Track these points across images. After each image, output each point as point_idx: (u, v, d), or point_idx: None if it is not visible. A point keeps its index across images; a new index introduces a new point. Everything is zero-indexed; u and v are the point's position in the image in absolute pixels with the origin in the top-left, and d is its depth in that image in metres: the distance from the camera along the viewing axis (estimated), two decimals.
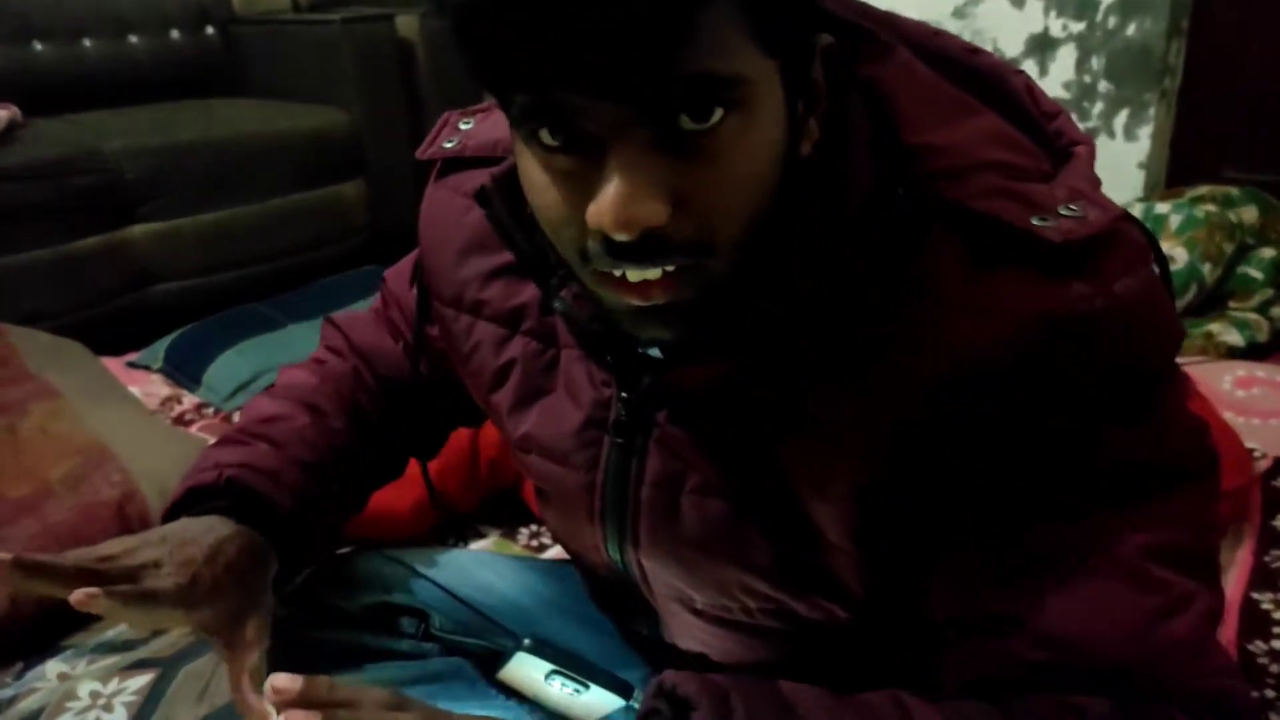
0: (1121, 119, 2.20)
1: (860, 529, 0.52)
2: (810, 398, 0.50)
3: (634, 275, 0.44)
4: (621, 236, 0.41)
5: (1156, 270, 0.49)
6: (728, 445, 0.54)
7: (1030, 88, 0.54)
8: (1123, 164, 2.22)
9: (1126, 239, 0.47)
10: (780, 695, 0.47)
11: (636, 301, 0.45)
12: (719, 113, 0.41)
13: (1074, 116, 2.10)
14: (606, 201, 0.41)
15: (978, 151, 0.49)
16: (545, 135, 0.42)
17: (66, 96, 2.24)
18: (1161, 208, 1.75)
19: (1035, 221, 0.45)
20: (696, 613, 0.64)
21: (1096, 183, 0.49)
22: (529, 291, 0.61)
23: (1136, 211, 1.78)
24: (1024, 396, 0.46)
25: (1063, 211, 0.46)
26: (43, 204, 1.88)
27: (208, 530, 0.63)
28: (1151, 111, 2.17)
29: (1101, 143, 2.23)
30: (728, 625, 0.63)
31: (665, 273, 0.44)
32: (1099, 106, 2.21)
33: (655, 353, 0.53)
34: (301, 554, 0.71)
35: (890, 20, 0.55)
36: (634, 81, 0.39)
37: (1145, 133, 2.18)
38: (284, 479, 0.67)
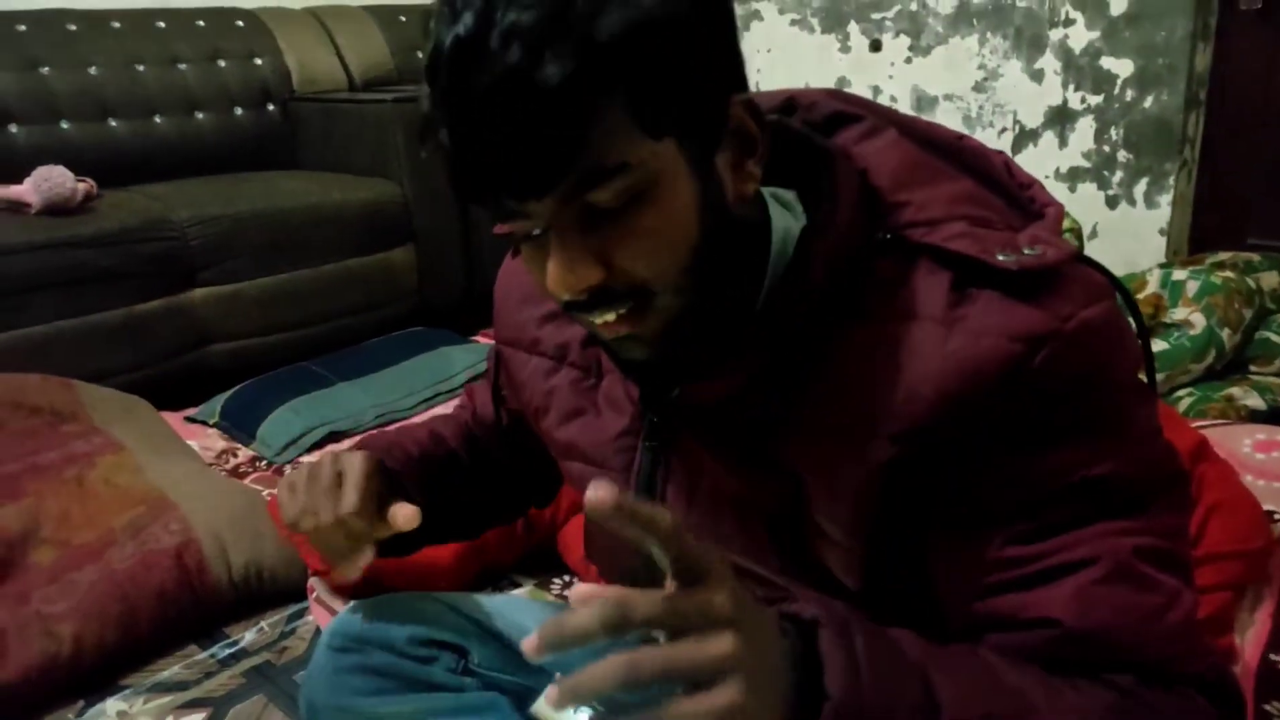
0: (1141, 187, 2.25)
1: (864, 525, 0.59)
2: (817, 406, 0.59)
3: (597, 319, 0.56)
4: (566, 297, 0.54)
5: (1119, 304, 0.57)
6: (739, 452, 0.63)
7: (1008, 164, 0.64)
8: (1144, 230, 2.27)
9: (1084, 276, 0.55)
10: (884, 631, 0.52)
11: (610, 335, 0.57)
12: (623, 195, 0.51)
13: (1094, 185, 2.18)
14: (550, 274, 0.54)
15: (950, 207, 0.58)
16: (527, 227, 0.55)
17: (139, 169, 2.41)
18: (1179, 274, 1.79)
19: (1000, 257, 0.54)
20: None
21: (1058, 234, 0.58)
22: (573, 332, 0.74)
23: (1155, 277, 1.82)
24: (1014, 408, 0.53)
25: (1025, 250, 0.54)
26: (113, 269, 2.01)
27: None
28: (1171, 180, 2.22)
29: (1122, 210, 2.29)
30: None
31: (620, 314, 0.55)
32: (1119, 175, 2.27)
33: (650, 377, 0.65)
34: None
35: (887, 112, 0.66)
36: (543, 184, 0.51)
37: (1165, 200, 2.23)
38: (394, 453, 0.82)
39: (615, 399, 0.71)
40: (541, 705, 0.83)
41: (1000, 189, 0.62)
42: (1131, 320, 0.60)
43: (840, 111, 0.65)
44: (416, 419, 1.97)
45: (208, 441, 1.93)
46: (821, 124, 0.65)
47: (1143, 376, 0.61)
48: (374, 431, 0.88)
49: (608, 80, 0.49)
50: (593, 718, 0.80)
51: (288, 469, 1.82)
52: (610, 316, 0.55)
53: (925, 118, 0.68)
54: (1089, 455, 0.53)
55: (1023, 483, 0.53)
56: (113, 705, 1.23)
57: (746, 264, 0.60)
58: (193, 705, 1.23)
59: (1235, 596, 1.19)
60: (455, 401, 2.07)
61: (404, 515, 0.72)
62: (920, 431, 0.55)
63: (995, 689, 0.50)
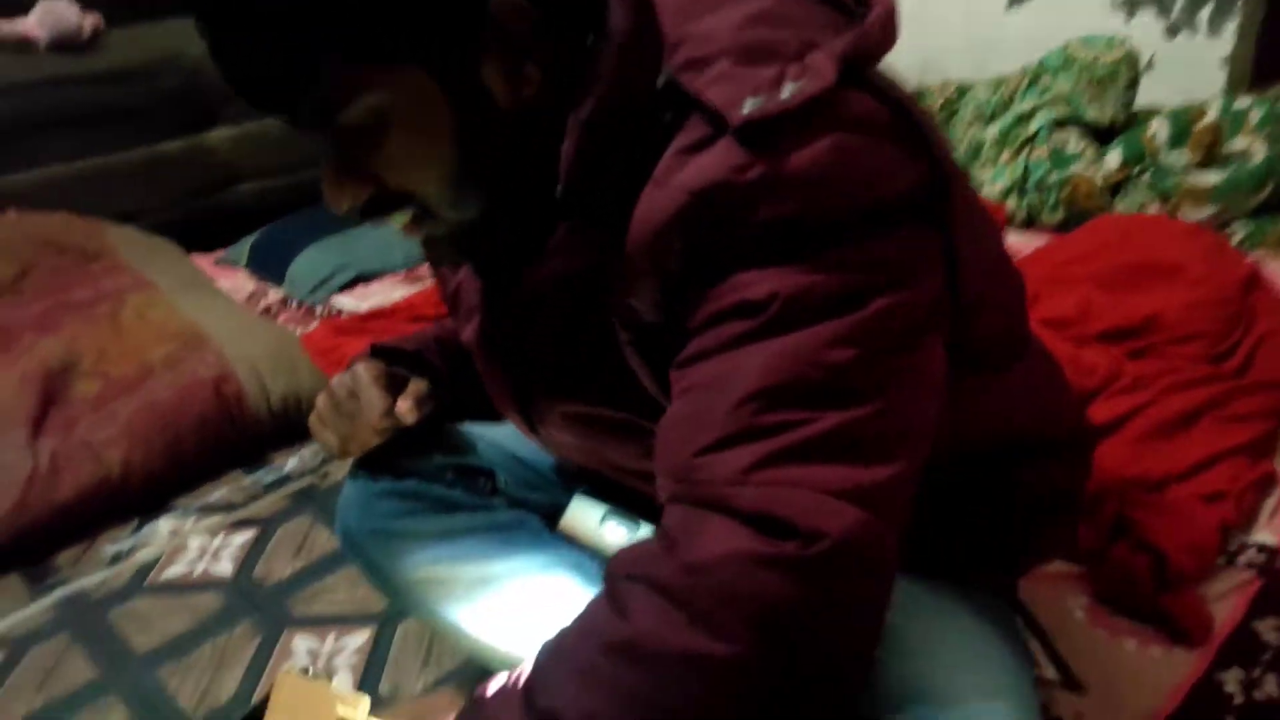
0: (1205, 14, 2.11)
1: (647, 373, 0.58)
2: (609, 270, 0.56)
3: (393, 224, 0.56)
4: (342, 210, 0.55)
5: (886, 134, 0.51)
6: (570, 323, 0.62)
7: None
8: (1205, 59, 2.14)
9: (833, 113, 0.50)
10: None
11: (410, 236, 0.58)
12: (367, 117, 0.51)
13: (1154, 11, 2.02)
14: (323, 189, 0.55)
15: (729, 37, 0.53)
16: None
17: (144, 3, 2.30)
18: (1242, 102, 1.70)
19: (747, 103, 0.49)
20: (620, 471, 0.72)
21: (878, 34, 0.53)
22: None
23: (1216, 106, 1.73)
24: (680, 249, 0.51)
25: (786, 88, 0.49)
26: (130, 107, 1.97)
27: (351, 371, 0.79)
28: (1238, 5, 2.07)
29: (1183, 38, 2.15)
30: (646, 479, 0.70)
31: (408, 221, 0.56)
32: (1180, 1, 2.12)
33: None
34: (446, 390, 0.82)
35: None
36: (282, 109, 0.52)
37: (1231, 28, 2.09)
38: (410, 341, 0.83)
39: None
40: (569, 520, 0.84)
41: None
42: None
43: None
44: None
45: (238, 283, 1.93)
46: None
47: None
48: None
49: (322, 12, 0.48)
50: (616, 525, 0.81)
51: (318, 309, 1.82)
52: (400, 220, 0.56)
53: None
54: (750, 279, 0.50)
55: (689, 312, 0.52)
56: (165, 524, 1.28)
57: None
58: (243, 524, 1.27)
59: (1278, 425, 1.18)
60: None
61: (403, 409, 0.75)
62: (633, 278, 0.54)
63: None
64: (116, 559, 1.22)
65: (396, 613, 1.09)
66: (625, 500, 0.82)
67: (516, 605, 0.79)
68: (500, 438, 0.90)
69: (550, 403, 0.68)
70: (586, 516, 0.83)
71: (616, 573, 0.51)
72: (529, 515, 0.86)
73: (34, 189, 1.90)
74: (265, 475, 1.37)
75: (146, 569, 1.20)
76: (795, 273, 0.49)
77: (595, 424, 0.67)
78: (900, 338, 0.51)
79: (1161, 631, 0.90)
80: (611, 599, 0.50)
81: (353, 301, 1.82)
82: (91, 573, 1.19)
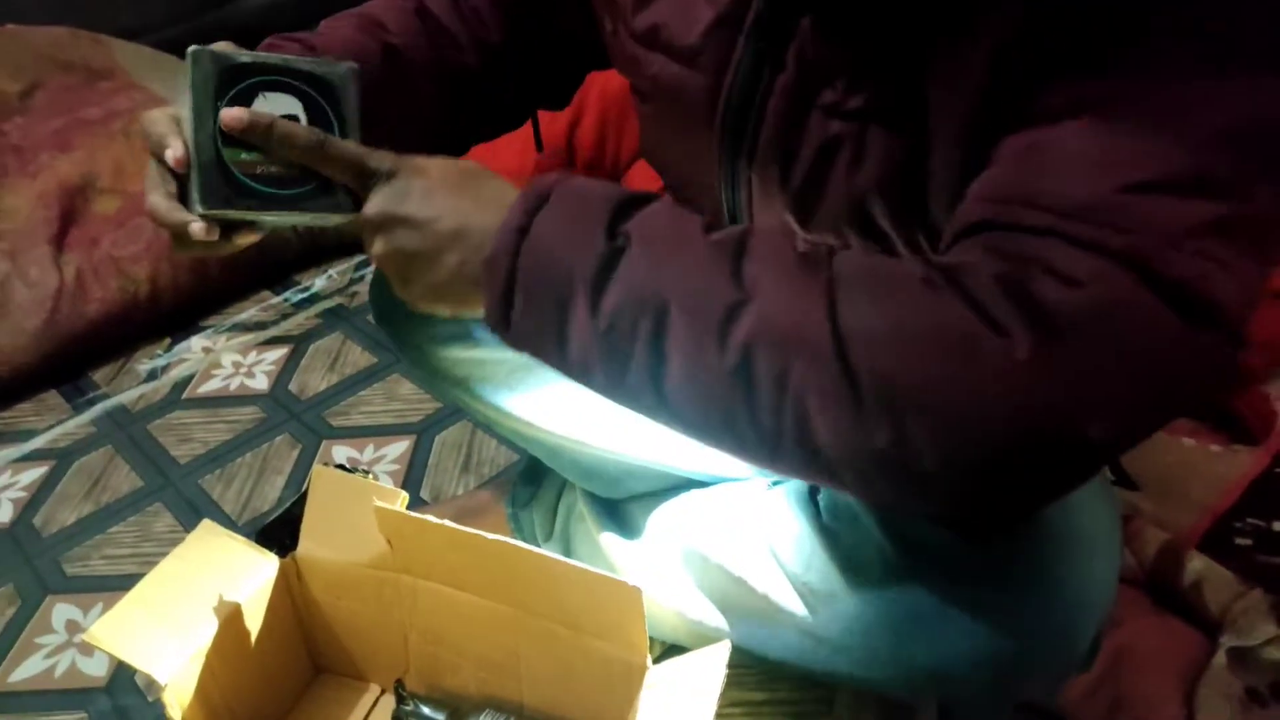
0: None
1: (976, 121, 0.48)
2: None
3: None
4: None
5: None
6: (868, 55, 0.51)
7: None
8: None
9: None
10: (597, 199, 0.47)
11: None
12: None
13: None
14: None
15: None
16: None
17: None
18: None
19: None
20: None
21: None
22: None
23: None
24: None
25: None
26: None
27: None
28: None
29: None
30: None
31: None
32: None
33: None
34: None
35: None
36: None
37: None
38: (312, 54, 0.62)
39: None
40: None
41: None
42: None
43: None
44: None
45: None
46: None
47: None
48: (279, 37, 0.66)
49: None
50: None
51: None
52: None
53: None
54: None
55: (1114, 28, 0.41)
56: (197, 342, 1.27)
57: None
58: (274, 342, 1.25)
59: None
60: None
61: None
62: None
63: (705, 273, 0.44)
64: (152, 375, 1.21)
65: (435, 422, 1.09)
66: None
67: (564, 391, 0.69)
68: None
69: (786, 140, 0.56)
70: None
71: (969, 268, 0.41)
72: None
73: (31, 3, 1.80)
74: (293, 294, 1.35)
75: (183, 384, 1.20)
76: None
77: (812, 186, 0.56)
78: None
79: (1221, 429, 0.88)
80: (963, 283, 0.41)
81: None
82: (128, 388, 1.20)
